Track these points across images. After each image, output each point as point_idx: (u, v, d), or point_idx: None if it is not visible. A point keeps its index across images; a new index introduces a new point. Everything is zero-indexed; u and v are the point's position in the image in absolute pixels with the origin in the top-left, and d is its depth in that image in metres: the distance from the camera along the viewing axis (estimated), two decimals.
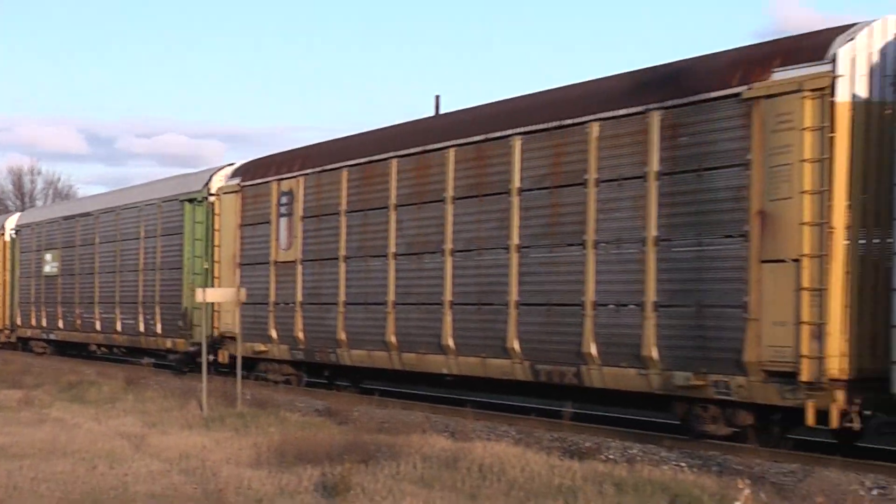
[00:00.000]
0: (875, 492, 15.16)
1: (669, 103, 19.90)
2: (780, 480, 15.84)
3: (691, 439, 19.59)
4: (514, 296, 22.81)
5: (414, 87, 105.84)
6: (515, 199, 22.87)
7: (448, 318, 24.50)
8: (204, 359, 26.02)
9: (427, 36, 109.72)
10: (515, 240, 22.85)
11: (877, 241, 17.37)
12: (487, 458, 16.32)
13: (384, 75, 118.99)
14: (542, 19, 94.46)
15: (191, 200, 35.04)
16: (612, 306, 20.87)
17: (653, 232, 20.05)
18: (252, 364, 30.99)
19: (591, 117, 21.31)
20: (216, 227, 33.58)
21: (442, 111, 39.45)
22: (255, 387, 28.04)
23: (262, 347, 30.64)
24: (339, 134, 34.49)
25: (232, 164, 34.58)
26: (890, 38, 17.57)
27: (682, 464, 17.57)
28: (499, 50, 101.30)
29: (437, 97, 44.73)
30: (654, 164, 20.06)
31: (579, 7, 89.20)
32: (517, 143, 22.89)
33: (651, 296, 20.03)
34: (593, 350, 21.07)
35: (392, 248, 26.29)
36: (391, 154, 26.47)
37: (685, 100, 19.63)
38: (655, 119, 20.09)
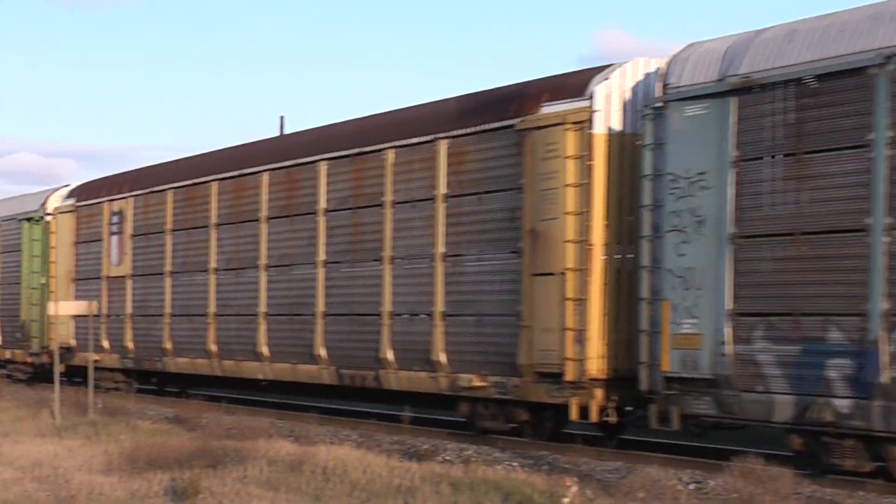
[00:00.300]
0: (692, 486, 15.59)
1: (454, 133, 21.16)
2: (605, 477, 16.24)
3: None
4: (320, 307, 23.93)
5: (264, 107, 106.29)
6: (322, 219, 24.00)
7: (262, 328, 25.53)
8: (56, 370, 26.39)
9: (277, 56, 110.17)
10: (322, 256, 23.97)
11: (630, 256, 18.78)
12: (331, 461, 16.45)
13: (236, 94, 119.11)
14: (378, 40, 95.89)
15: (28, 220, 35.51)
16: (406, 316, 22.07)
17: (440, 249, 21.29)
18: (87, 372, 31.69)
19: (388, 145, 22.51)
20: (52, 244, 34.19)
21: (286, 131, 40.42)
22: (106, 396, 28.40)
23: (95, 357, 31.31)
24: (190, 153, 35.20)
25: (67, 186, 35.21)
26: (640, 77, 18.96)
27: (515, 463, 17.97)
28: (344, 71, 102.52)
29: (282, 118, 45.94)
30: (442, 188, 21.31)
31: (416, 28, 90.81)
32: (323, 168, 24.02)
33: (440, 306, 21.25)
34: (390, 356, 22.24)
35: (213, 264, 27.26)
36: (211, 177, 27.44)
37: (468, 130, 20.90)
38: (443, 147, 21.33)
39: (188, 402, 26.85)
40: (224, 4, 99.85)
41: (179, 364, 28.44)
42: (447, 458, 18.72)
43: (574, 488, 14.09)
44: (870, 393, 15.15)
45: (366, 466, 16.13)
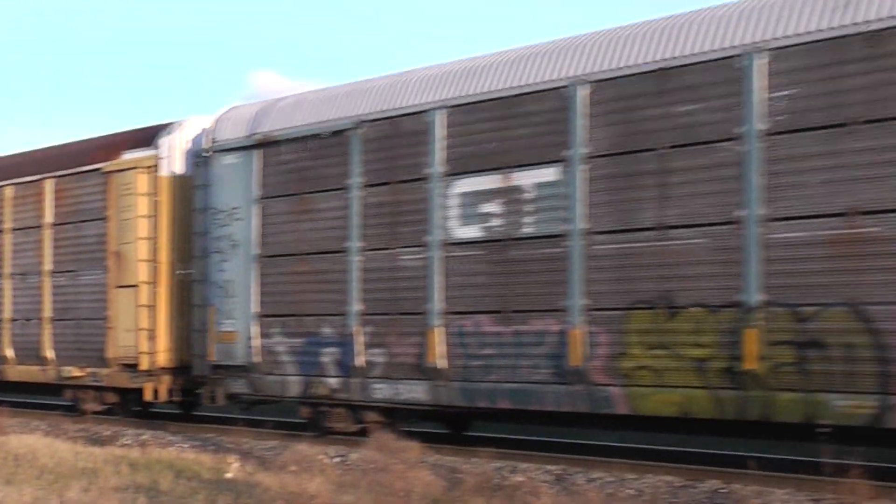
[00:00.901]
0: (336, 459, 16.25)
1: (59, 173, 22.86)
2: (263, 454, 16.61)
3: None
4: None
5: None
6: None
7: None
8: None
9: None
10: None
11: (189, 271, 20.78)
12: (21, 449, 16.17)
13: None
14: (62, 70, 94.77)
15: None
16: (22, 320, 23.71)
17: (48, 266, 22.95)
18: None
19: (7, 183, 24.00)
20: None
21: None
22: None
23: None
24: None
25: None
26: (198, 132, 20.91)
27: (185, 445, 18.13)
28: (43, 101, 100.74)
29: None
30: (49, 217, 23.04)
31: (103, 61, 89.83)
32: None
33: (47, 312, 22.93)
34: (10, 353, 23.75)
35: None
36: None
37: (68, 171, 22.60)
38: (49, 185, 23.10)
39: None
40: None
41: None
42: (126, 442, 18.90)
43: (236, 464, 14.65)
44: (350, 373, 17.61)
45: (54, 452, 16.03)
